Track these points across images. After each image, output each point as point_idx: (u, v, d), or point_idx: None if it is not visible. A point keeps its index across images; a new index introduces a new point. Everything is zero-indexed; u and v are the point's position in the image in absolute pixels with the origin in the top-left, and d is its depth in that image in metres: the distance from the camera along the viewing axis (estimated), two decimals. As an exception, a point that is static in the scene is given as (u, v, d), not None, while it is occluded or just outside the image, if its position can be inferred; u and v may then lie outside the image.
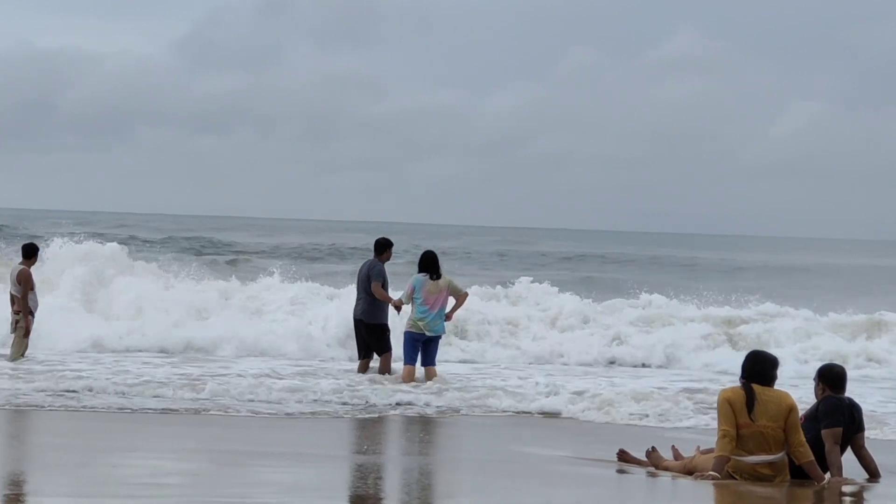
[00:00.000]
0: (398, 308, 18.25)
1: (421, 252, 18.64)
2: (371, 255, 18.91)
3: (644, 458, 11.71)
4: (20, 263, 19.13)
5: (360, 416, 15.02)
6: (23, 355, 18.72)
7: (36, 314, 18.97)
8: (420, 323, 17.73)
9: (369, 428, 14.34)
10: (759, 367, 10.90)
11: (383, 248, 18.62)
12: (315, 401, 15.86)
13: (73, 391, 15.72)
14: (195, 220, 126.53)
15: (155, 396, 15.68)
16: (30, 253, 19.22)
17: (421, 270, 17.95)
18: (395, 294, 18.46)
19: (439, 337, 18.00)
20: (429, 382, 17.37)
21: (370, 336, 18.37)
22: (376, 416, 15.05)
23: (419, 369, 17.77)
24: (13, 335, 18.89)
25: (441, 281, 17.91)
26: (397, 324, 18.67)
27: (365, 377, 17.92)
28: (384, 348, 18.32)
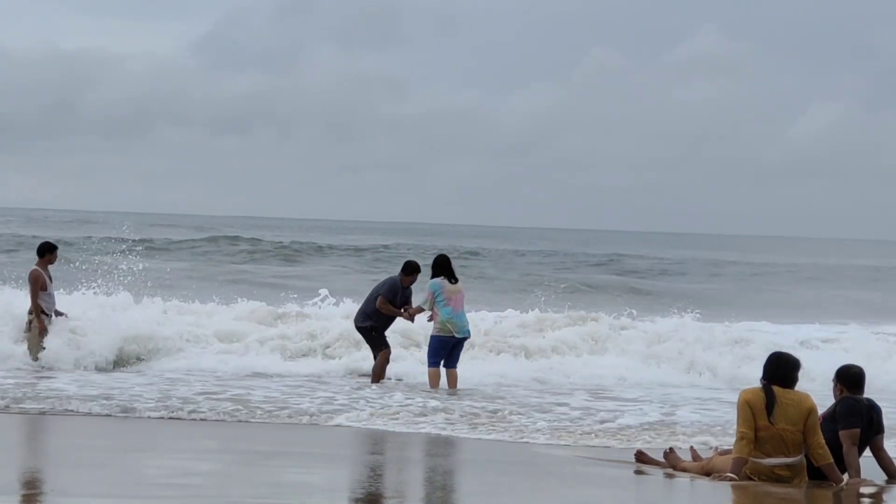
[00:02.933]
0: (412, 317, 18.11)
1: (436, 256, 18.41)
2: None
3: (662, 459, 11.70)
4: (36, 264, 19.25)
5: (369, 418, 15.01)
6: (37, 357, 18.75)
7: (54, 313, 19.08)
8: (449, 325, 17.61)
9: (383, 430, 14.32)
10: (781, 369, 10.83)
11: (412, 271, 18.25)
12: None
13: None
14: (230, 220, 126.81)
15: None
16: (41, 252, 19.26)
17: (436, 274, 17.87)
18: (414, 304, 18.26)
19: (465, 340, 17.89)
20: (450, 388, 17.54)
21: (364, 339, 18.41)
22: (387, 419, 15.00)
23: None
24: (27, 335, 19.01)
25: (459, 284, 17.89)
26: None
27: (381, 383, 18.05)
28: (377, 346, 18.19)
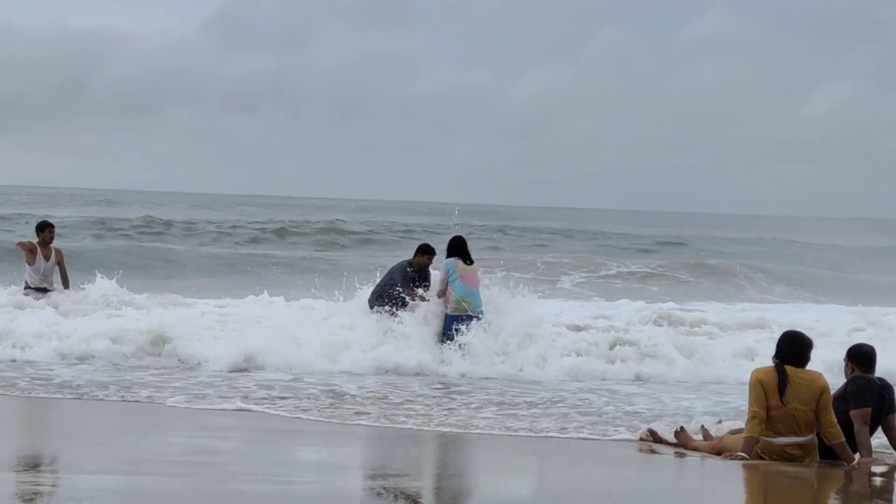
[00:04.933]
0: (413, 298, 17.86)
1: (452, 237, 18.22)
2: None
3: (673, 439, 11.70)
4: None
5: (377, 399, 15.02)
6: None
7: (45, 290, 19.20)
8: (464, 303, 17.58)
9: (392, 413, 14.32)
10: (794, 348, 10.84)
11: (423, 252, 18.16)
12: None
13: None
14: (237, 199, 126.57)
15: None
16: (35, 230, 19.55)
17: (451, 255, 17.83)
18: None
19: (478, 319, 17.69)
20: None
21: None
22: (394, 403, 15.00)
23: None
24: None
25: (474, 265, 17.85)
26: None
27: None
28: None
